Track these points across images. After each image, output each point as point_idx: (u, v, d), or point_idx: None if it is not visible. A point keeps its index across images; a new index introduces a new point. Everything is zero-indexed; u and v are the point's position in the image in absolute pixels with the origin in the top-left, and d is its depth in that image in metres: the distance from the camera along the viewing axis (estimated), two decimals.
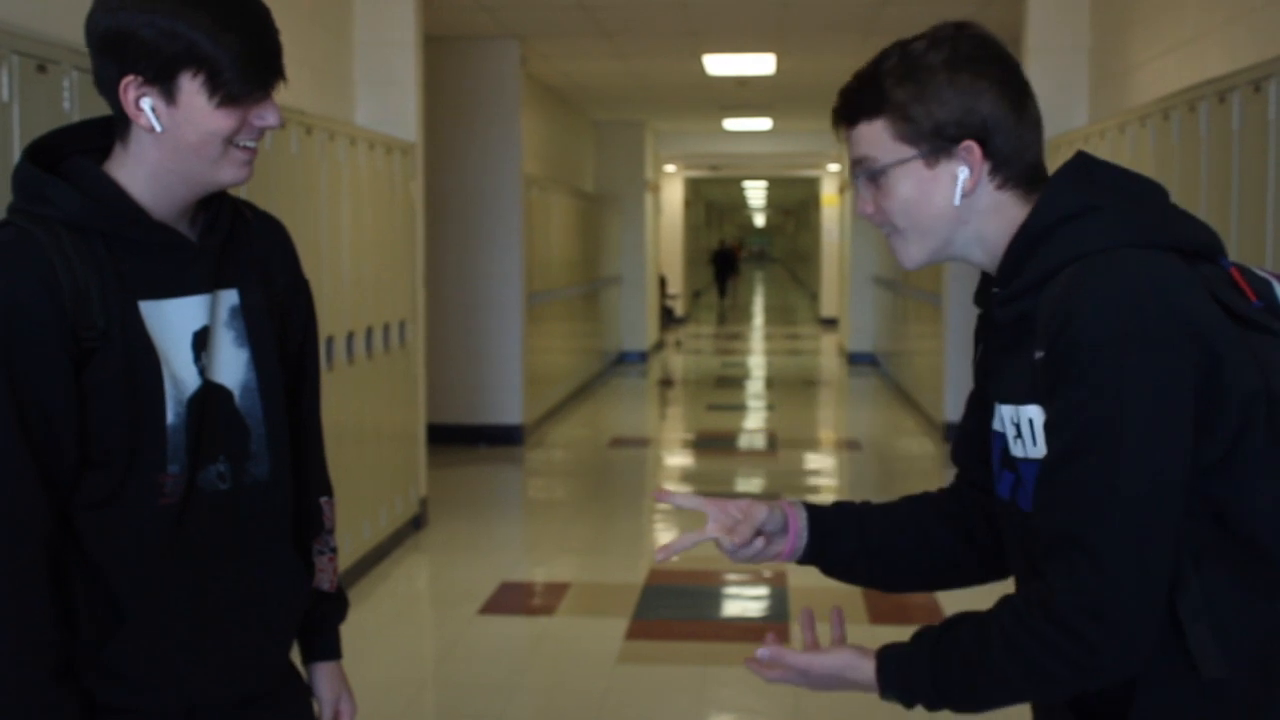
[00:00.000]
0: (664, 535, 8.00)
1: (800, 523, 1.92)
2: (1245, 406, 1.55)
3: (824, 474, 10.07)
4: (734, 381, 15.77)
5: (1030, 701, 1.71)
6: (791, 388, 15.19)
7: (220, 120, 1.80)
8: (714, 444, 10.92)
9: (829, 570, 1.96)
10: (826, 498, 9.06)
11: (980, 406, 1.83)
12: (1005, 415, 1.69)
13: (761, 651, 1.76)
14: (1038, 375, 1.60)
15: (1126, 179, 1.67)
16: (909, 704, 1.67)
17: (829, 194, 23.78)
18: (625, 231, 17.25)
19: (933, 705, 1.66)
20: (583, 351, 14.25)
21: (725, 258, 32.50)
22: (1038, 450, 1.63)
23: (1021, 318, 1.64)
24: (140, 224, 1.83)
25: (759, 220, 54.66)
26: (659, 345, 19.45)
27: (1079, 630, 1.53)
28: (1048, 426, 1.59)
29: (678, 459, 10.54)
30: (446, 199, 10.10)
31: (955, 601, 1.77)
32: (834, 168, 21.98)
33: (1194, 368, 1.52)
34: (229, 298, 1.92)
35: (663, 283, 21.20)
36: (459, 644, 5.65)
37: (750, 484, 9.42)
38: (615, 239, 16.73)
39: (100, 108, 1.87)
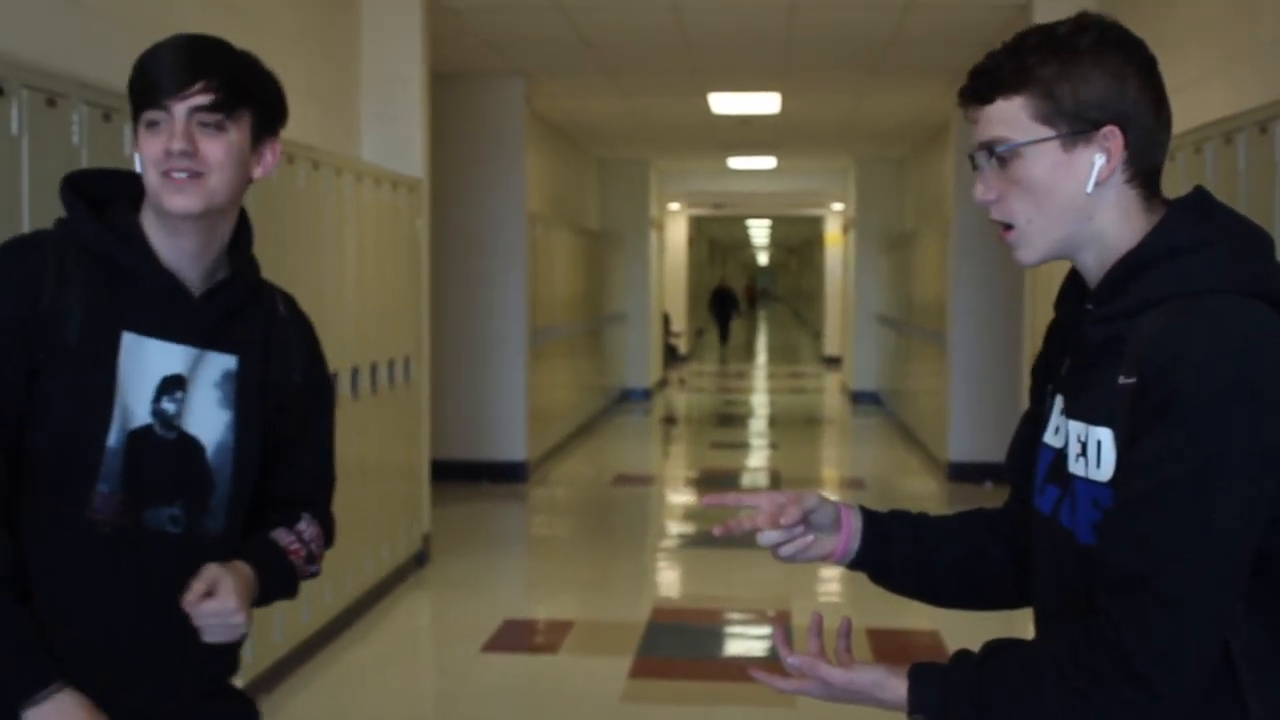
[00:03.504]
0: (668, 573, 7.98)
1: (855, 524, 1.89)
2: None
3: None
4: (737, 419, 15.75)
5: None
6: (794, 426, 15.16)
7: (145, 146, 1.93)
8: (717, 482, 10.89)
9: (878, 576, 1.93)
10: None
11: (1033, 419, 1.80)
12: (1072, 432, 1.66)
13: (792, 661, 1.71)
14: (1118, 400, 1.57)
15: (1240, 221, 1.65)
16: None
17: (832, 232, 23.80)
18: (629, 269, 17.27)
19: None
20: (586, 388, 14.23)
21: (724, 298, 31.81)
22: (1101, 473, 1.60)
23: (1110, 339, 1.61)
24: (143, 262, 1.96)
25: (762, 259, 54.70)
26: (662, 383, 19.44)
27: (1145, 674, 1.51)
28: (1130, 464, 1.56)
29: (681, 497, 10.51)
30: (452, 235, 10.11)
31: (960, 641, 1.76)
32: (838, 206, 22.01)
33: None
34: (225, 361, 2.02)
35: (666, 320, 21.20)
36: (462, 682, 5.62)
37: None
38: (619, 276, 16.75)
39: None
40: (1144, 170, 1.66)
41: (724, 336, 30.80)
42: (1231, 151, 4.74)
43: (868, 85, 10.81)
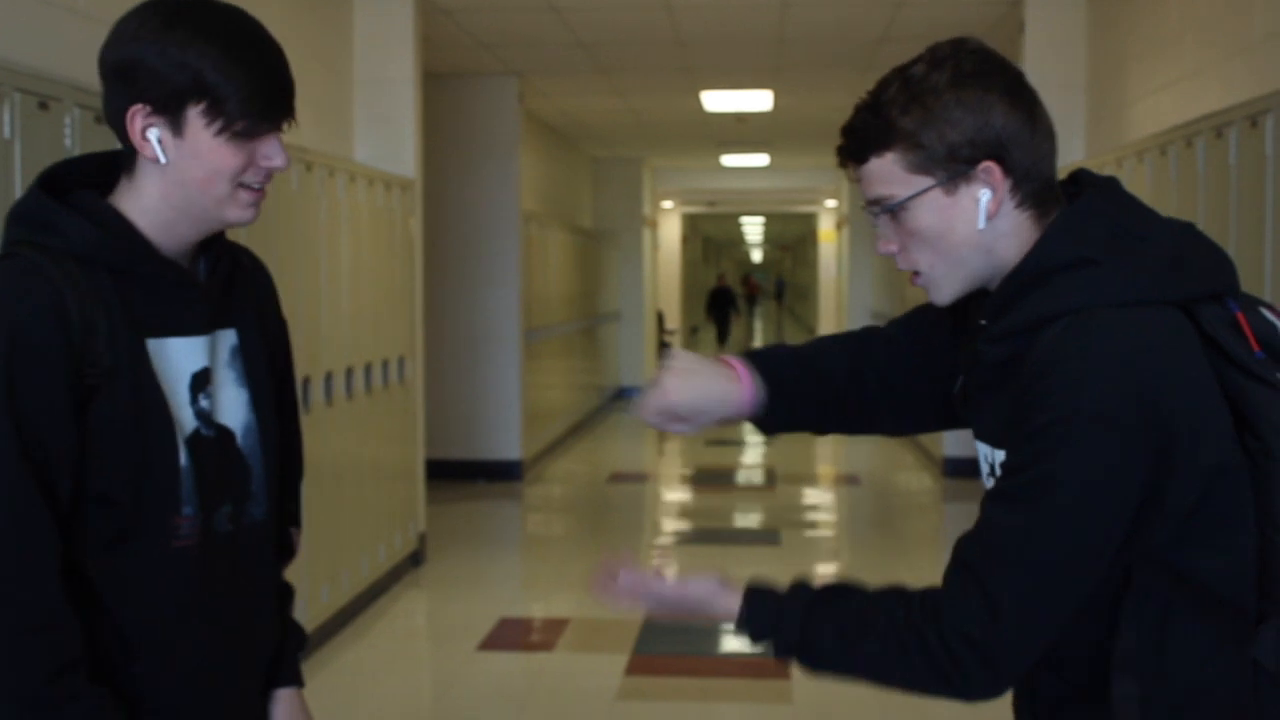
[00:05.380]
0: (664, 571, 7.98)
1: (752, 379, 1.92)
2: (1206, 482, 1.53)
3: (823, 509, 10.04)
4: None
5: (890, 689, 1.67)
6: None
7: (226, 157, 1.76)
8: (712, 479, 10.90)
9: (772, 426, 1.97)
10: (825, 533, 9.05)
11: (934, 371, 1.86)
12: (982, 452, 1.70)
13: (623, 579, 1.73)
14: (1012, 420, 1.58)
15: (1135, 223, 1.61)
16: (757, 641, 1.67)
17: (826, 229, 23.83)
18: (623, 267, 17.28)
19: (785, 654, 1.65)
20: (581, 387, 14.24)
21: (723, 297, 31.50)
22: None
23: (1010, 359, 1.61)
24: (150, 259, 1.79)
25: (756, 256, 54.75)
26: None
27: (958, 653, 1.55)
28: (1002, 465, 1.60)
29: (676, 494, 10.52)
30: (445, 235, 10.11)
31: None
32: (831, 203, 22.03)
33: (1148, 452, 1.51)
34: (228, 338, 1.90)
35: (660, 318, 21.21)
36: (458, 680, 5.63)
37: (749, 519, 9.40)
38: (613, 275, 16.76)
39: (101, 144, 1.87)
40: (1033, 190, 1.63)
41: (722, 337, 30.39)
42: (1223, 145, 4.75)
43: (860, 82, 10.79)
